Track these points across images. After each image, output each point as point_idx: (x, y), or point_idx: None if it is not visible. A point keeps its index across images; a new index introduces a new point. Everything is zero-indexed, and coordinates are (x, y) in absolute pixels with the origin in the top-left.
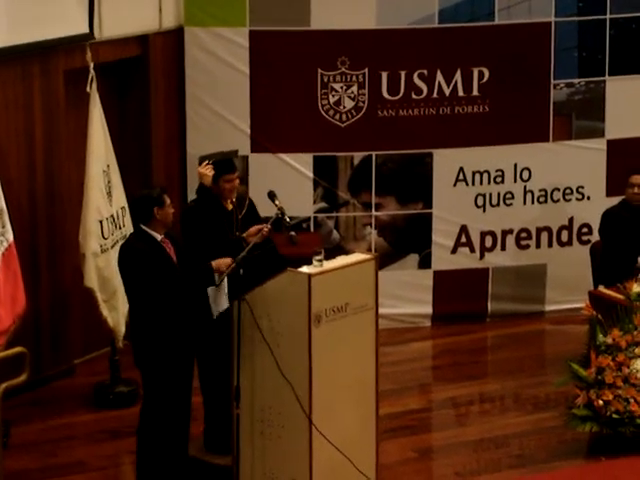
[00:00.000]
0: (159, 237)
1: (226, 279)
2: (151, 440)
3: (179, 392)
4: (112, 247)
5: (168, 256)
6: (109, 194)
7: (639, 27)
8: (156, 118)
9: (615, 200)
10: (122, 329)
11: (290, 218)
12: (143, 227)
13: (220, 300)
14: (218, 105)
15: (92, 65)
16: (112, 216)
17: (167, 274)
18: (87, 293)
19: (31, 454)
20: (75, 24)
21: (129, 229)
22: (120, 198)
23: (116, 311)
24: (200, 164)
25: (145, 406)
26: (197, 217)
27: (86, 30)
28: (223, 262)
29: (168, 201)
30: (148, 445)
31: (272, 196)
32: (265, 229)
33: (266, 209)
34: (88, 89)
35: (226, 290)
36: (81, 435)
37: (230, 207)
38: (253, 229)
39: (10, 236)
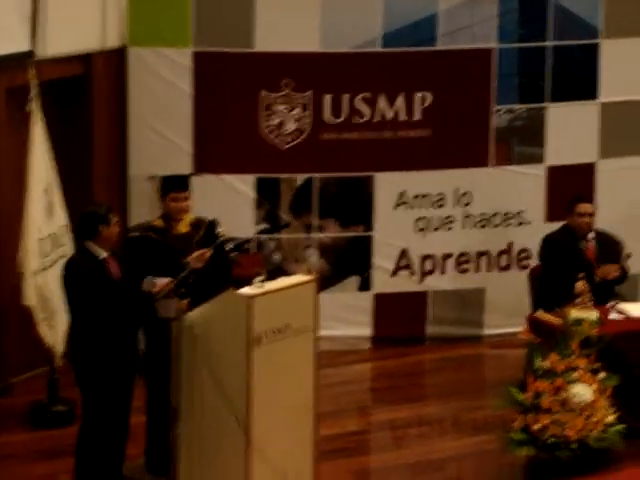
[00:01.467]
0: (103, 255)
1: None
2: (88, 458)
3: (118, 410)
4: (51, 266)
5: (109, 275)
6: (50, 213)
7: (580, 54)
8: (98, 137)
9: (554, 225)
10: (60, 348)
11: (231, 240)
12: (87, 244)
13: (168, 307)
14: (161, 125)
15: (34, 83)
16: (52, 234)
17: (109, 293)
18: (25, 311)
19: None
20: (17, 42)
21: (69, 248)
22: (61, 217)
23: (54, 330)
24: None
25: (84, 424)
26: (140, 249)
27: (28, 48)
28: (163, 284)
29: (114, 220)
30: (85, 463)
31: (214, 225)
32: (207, 254)
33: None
34: (29, 108)
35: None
36: (18, 454)
37: (185, 229)
38: (195, 253)
39: None
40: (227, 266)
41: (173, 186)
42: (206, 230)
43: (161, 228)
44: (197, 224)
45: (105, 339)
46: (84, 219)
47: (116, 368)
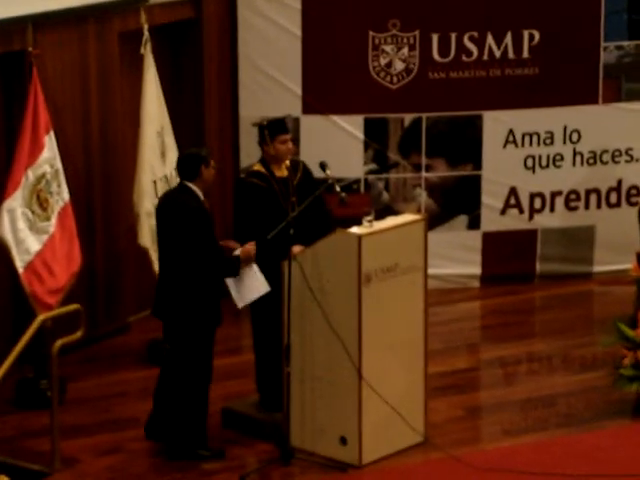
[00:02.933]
0: (202, 196)
1: (256, 268)
2: (172, 402)
3: (203, 356)
4: None
5: (210, 214)
6: (163, 155)
7: None
8: (209, 80)
9: None
10: None
11: (339, 180)
12: (187, 184)
13: (245, 290)
14: (270, 67)
15: (146, 27)
16: (165, 176)
17: (210, 234)
18: (141, 251)
19: (86, 409)
20: None
21: None
22: (173, 159)
23: None
24: (258, 128)
25: (168, 369)
26: (249, 193)
27: None
28: (248, 249)
29: (212, 163)
30: (169, 407)
31: (323, 166)
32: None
33: (317, 172)
34: (142, 51)
35: (257, 276)
36: (135, 391)
37: (285, 173)
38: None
39: (66, 196)
40: (327, 211)
41: (280, 129)
42: (303, 172)
43: (264, 174)
44: (294, 166)
45: (197, 284)
46: (187, 159)
47: (204, 314)
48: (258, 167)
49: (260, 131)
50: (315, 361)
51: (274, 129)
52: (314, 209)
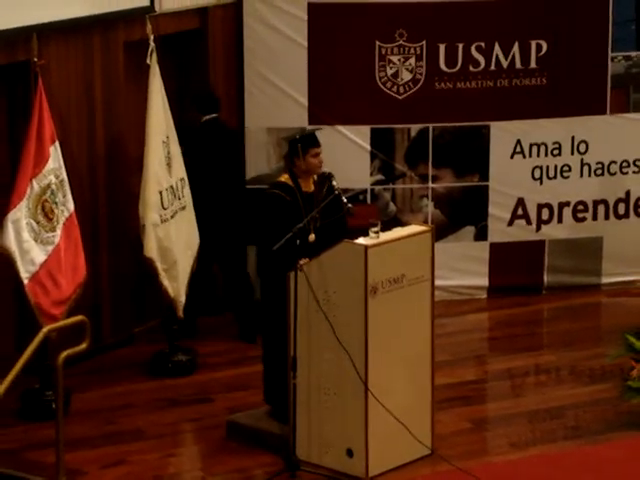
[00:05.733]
0: None
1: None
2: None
3: None
4: (172, 217)
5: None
6: (169, 165)
7: None
8: (215, 90)
9: None
10: (182, 299)
11: (346, 191)
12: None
13: None
14: (276, 78)
15: (152, 37)
16: (171, 187)
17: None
18: (147, 263)
19: (91, 421)
20: None
21: (188, 199)
22: (179, 169)
23: (176, 281)
24: (287, 144)
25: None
26: (273, 204)
27: (146, 3)
28: None
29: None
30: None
31: (330, 177)
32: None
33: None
34: (148, 61)
35: None
36: (140, 403)
37: (312, 188)
38: None
39: (71, 206)
40: (343, 218)
41: (313, 142)
42: (328, 187)
43: (290, 186)
44: (321, 181)
45: None
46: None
47: None
48: (285, 179)
49: (292, 144)
50: (322, 372)
51: (307, 142)
52: (335, 223)
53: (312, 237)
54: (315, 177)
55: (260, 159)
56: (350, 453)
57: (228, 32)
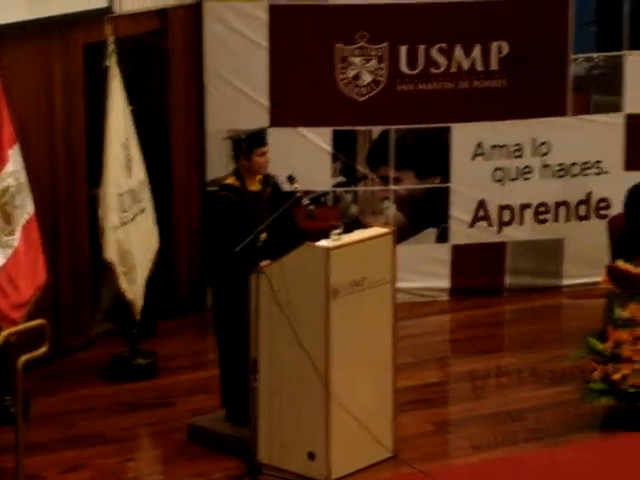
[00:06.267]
0: None
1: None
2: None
3: None
4: (132, 220)
5: None
6: (128, 167)
7: None
8: (175, 92)
9: (634, 174)
10: (140, 302)
11: (307, 193)
12: None
13: None
14: (237, 79)
15: (111, 39)
16: (131, 190)
17: None
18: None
19: (50, 426)
20: None
21: (148, 202)
22: (139, 172)
23: (135, 284)
24: (233, 142)
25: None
26: (222, 206)
27: (105, 4)
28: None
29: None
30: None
31: (291, 179)
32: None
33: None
34: (107, 63)
35: None
36: (100, 407)
37: (258, 187)
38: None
39: (31, 208)
40: (294, 223)
41: (259, 141)
42: (273, 186)
43: (237, 187)
44: (265, 181)
45: None
46: None
47: None
48: (231, 180)
49: (236, 144)
50: (283, 375)
51: (253, 142)
52: (283, 223)
53: (264, 236)
54: (260, 176)
55: (220, 161)
56: (312, 456)
57: (188, 33)
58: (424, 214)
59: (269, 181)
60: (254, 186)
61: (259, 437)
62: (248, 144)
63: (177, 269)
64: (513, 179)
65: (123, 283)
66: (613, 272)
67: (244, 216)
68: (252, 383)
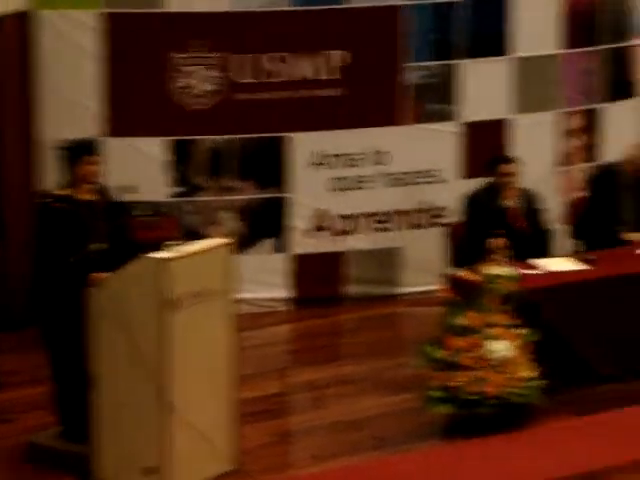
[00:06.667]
0: None
1: None
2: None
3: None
4: None
5: None
6: None
7: (492, 9)
8: (7, 103)
9: (470, 182)
10: None
11: (144, 204)
12: None
13: None
14: (70, 89)
15: None
16: None
17: None
18: None
19: None
20: None
21: None
22: None
23: None
24: (63, 151)
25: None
26: (54, 217)
27: None
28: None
29: None
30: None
31: (128, 190)
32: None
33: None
34: None
35: None
36: None
37: (91, 197)
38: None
39: None
40: (124, 228)
41: (87, 150)
42: (108, 196)
43: (69, 197)
44: (100, 190)
45: None
46: None
47: None
48: (64, 190)
49: (66, 153)
50: (120, 390)
51: (81, 151)
52: (118, 234)
53: (103, 246)
54: (96, 186)
55: (55, 172)
56: (150, 471)
57: (19, 42)
58: (264, 224)
59: (103, 191)
60: (88, 195)
61: (97, 453)
62: (77, 153)
63: (9, 282)
64: (352, 188)
65: None
66: (453, 281)
67: (77, 226)
68: (90, 399)
